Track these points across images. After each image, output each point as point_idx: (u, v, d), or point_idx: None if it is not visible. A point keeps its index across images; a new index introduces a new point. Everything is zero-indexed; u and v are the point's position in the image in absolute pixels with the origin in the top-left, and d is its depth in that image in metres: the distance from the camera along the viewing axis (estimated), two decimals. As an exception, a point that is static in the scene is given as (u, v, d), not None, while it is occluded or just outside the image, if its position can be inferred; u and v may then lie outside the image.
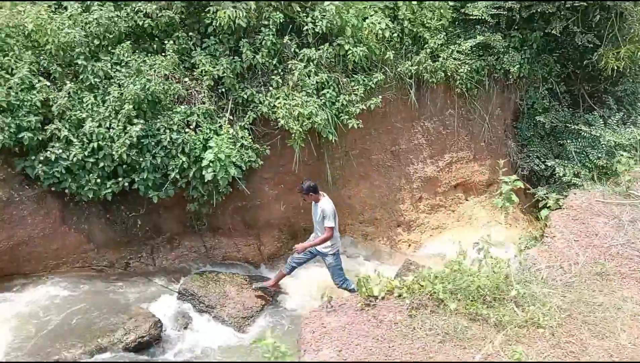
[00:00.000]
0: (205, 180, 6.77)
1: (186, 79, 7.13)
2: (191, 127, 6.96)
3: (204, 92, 7.10)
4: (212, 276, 7.52)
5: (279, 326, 7.09)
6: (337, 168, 8.47)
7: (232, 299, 7.19)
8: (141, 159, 6.71)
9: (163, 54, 6.97)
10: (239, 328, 6.92)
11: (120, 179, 6.78)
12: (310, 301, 7.54)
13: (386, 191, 9.10)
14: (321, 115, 7.12)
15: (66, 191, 6.74)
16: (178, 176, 6.87)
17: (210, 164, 6.68)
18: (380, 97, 7.92)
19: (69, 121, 6.53)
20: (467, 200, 9.89)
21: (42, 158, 6.44)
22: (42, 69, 6.62)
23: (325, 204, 6.68)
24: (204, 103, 7.03)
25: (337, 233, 6.92)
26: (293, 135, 7.18)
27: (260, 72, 7.34)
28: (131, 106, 6.50)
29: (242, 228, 8.20)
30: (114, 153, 6.54)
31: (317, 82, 7.32)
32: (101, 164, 6.63)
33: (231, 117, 7.20)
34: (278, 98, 7.14)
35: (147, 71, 6.69)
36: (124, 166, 6.79)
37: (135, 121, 6.61)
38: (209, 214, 7.64)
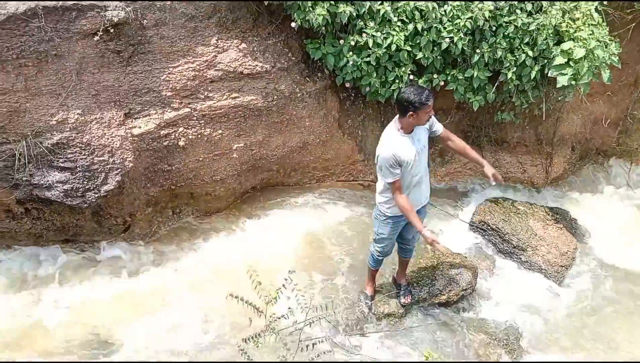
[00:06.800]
0: (558, 85, 4.82)
1: None
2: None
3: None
4: (509, 205, 5.89)
5: (596, 281, 5.48)
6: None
7: (544, 239, 5.59)
8: (476, 50, 4.78)
9: None
10: (558, 281, 5.38)
11: (434, 76, 4.96)
12: (619, 249, 5.93)
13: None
14: None
15: (366, 89, 5.04)
16: (513, 77, 4.94)
17: (572, 64, 4.69)
18: None
19: (383, -9, 4.62)
20: None
21: (352, 42, 4.65)
22: None
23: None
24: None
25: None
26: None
27: None
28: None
29: (532, 144, 6.37)
30: (443, 39, 4.65)
31: None
32: (419, 55, 4.79)
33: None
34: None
35: None
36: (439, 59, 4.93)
37: (473, -5, 4.62)
38: (511, 124, 5.86)
